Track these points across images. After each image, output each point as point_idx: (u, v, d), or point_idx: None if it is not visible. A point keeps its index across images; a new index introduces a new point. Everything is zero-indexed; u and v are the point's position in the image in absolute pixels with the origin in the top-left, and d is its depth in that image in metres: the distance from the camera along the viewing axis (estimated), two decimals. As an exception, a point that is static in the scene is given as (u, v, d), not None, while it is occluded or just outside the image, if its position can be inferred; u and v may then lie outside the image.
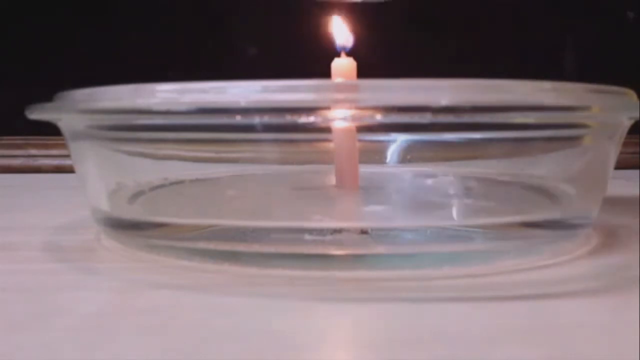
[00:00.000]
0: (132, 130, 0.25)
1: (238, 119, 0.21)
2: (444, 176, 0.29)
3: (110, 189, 0.26)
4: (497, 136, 0.25)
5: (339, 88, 0.23)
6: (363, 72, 0.28)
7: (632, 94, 0.24)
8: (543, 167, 0.28)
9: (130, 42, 0.57)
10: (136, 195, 0.27)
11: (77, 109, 0.24)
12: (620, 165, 0.27)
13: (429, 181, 0.29)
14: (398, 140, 0.29)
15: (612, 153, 0.25)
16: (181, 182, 0.30)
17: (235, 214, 0.26)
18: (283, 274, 0.22)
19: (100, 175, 0.26)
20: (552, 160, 0.27)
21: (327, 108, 0.22)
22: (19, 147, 0.56)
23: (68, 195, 0.39)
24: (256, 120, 0.22)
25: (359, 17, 0.33)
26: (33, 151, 0.56)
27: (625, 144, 0.26)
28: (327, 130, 0.27)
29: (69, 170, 0.29)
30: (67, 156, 0.27)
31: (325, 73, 0.29)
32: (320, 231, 0.24)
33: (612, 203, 0.32)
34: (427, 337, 0.16)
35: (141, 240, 0.25)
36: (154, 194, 0.28)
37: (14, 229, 0.30)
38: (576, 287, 0.21)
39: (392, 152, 0.30)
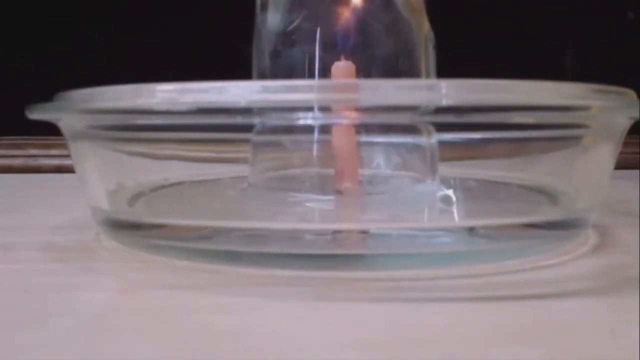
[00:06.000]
0: (132, 130, 0.25)
1: (238, 119, 0.21)
2: (444, 176, 0.29)
3: (110, 189, 0.26)
4: (497, 136, 0.25)
5: (339, 88, 0.23)
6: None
7: (632, 94, 0.24)
8: (543, 167, 0.28)
9: (130, 42, 0.57)
10: (136, 196, 0.27)
11: (77, 109, 0.24)
12: (620, 165, 0.27)
13: (429, 181, 0.29)
14: (399, 141, 0.29)
15: (612, 153, 0.25)
16: (181, 182, 0.30)
17: (235, 215, 0.26)
18: (283, 274, 0.22)
19: (100, 175, 0.26)
20: (552, 160, 0.27)
21: (327, 108, 0.22)
22: (19, 147, 0.56)
23: (68, 195, 0.39)
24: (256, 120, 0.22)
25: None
26: (33, 151, 0.56)
27: (625, 144, 0.26)
28: (327, 130, 0.27)
29: (69, 170, 0.29)
30: (67, 156, 0.27)
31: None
32: (321, 231, 0.24)
33: (612, 203, 0.32)
34: (427, 337, 0.16)
35: (141, 240, 0.25)
36: (154, 194, 0.28)
37: (14, 229, 0.30)
38: (576, 287, 0.21)
39: (392, 152, 0.30)
